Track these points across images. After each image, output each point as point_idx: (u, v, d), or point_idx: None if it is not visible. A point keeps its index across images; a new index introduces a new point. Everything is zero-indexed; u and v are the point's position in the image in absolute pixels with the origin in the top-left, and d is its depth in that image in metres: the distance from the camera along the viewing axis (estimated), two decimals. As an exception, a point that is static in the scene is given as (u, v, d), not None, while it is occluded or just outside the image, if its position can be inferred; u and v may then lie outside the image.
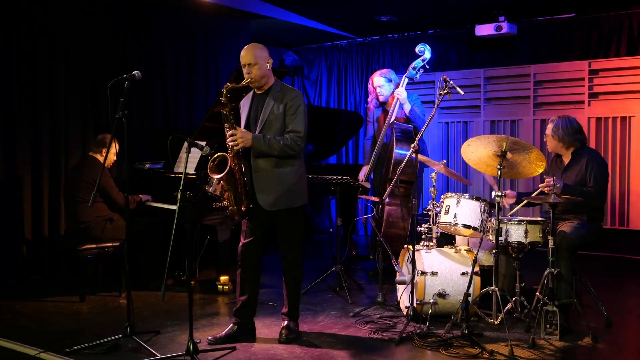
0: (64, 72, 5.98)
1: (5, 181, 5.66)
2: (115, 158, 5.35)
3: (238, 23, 7.51)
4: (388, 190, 4.87)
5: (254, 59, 3.85)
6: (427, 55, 5.64)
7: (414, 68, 5.65)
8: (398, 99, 5.59)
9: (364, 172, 5.84)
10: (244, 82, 3.88)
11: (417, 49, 5.66)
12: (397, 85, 5.73)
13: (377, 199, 5.47)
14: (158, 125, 6.76)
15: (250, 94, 4.07)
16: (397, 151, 5.47)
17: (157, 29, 6.75)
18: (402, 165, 4.66)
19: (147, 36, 6.65)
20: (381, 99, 5.80)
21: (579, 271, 4.40)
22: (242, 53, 3.90)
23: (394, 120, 5.64)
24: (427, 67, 5.70)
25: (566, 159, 4.56)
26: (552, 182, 4.01)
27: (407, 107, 5.62)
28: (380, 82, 5.78)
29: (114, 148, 5.17)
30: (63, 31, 5.95)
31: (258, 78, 3.89)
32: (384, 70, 5.92)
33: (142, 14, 6.58)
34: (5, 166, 5.65)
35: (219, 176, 3.79)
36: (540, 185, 4.27)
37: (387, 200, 5.40)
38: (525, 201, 4.48)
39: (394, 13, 7.30)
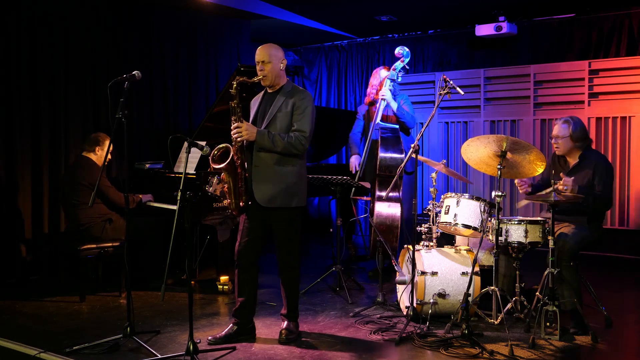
0: (64, 72, 5.98)
1: (5, 181, 5.65)
2: (109, 157, 5.32)
3: (238, 23, 7.51)
4: (390, 188, 4.91)
5: (268, 57, 3.89)
6: (406, 56, 5.83)
7: (394, 69, 5.85)
8: (383, 99, 5.77)
9: (357, 161, 5.93)
10: (255, 79, 3.92)
11: (396, 51, 5.84)
12: (380, 85, 5.89)
13: (369, 198, 5.55)
14: (158, 125, 6.76)
15: (261, 93, 4.11)
16: (382, 152, 5.64)
17: (157, 28, 6.74)
18: (402, 165, 4.68)
19: (147, 36, 6.65)
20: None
21: (579, 271, 4.40)
22: (257, 51, 3.94)
23: (380, 120, 5.80)
24: (408, 67, 5.91)
25: (572, 160, 4.48)
26: (570, 183, 4.09)
27: (394, 106, 5.81)
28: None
29: (104, 149, 5.16)
30: (63, 31, 5.95)
31: (270, 76, 3.92)
32: (386, 67, 6.12)
33: (142, 14, 6.58)
34: (5, 166, 5.65)
35: (219, 166, 3.79)
36: (559, 183, 4.16)
37: (377, 194, 5.52)
38: (527, 202, 4.47)
39: (394, 13, 7.30)
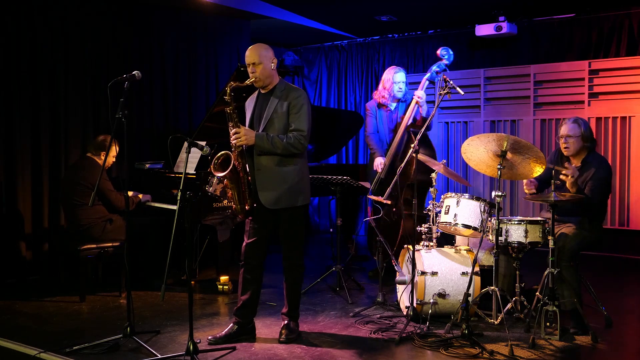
0: (64, 72, 5.98)
1: (5, 181, 5.65)
2: (114, 160, 5.33)
3: (238, 23, 7.51)
4: (390, 187, 4.87)
5: (258, 59, 3.87)
6: (449, 57, 5.51)
7: (437, 72, 5.52)
8: (417, 102, 5.50)
9: (382, 162, 5.59)
10: (248, 81, 3.90)
11: (439, 52, 5.51)
12: (422, 87, 5.62)
13: (388, 202, 5.30)
14: (158, 125, 6.76)
15: (255, 93, 4.09)
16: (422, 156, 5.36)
17: (157, 28, 6.74)
18: (402, 165, 4.66)
19: (147, 36, 6.65)
20: (399, 95, 5.72)
21: (579, 271, 4.40)
22: (247, 53, 3.92)
23: (411, 123, 5.55)
24: (447, 70, 5.55)
25: (575, 162, 4.42)
26: (574, 169, 4.11)
27: (425, 109, 5.55)
28: (403, 78, 5.72)
29: (114, 150, 5.14)
30: (63, 31, 5.95)
31: (262, 77, 3.91)
32: (400, 67, 5.85)
33: (142, 14, 6.58)
34: (5, 166, 5.65)
35: (222, 174, 3.79)
36: (564, 172, 4.18)
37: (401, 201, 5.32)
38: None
39: (394, 13, 7.30)
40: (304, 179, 4.02)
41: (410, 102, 5.64)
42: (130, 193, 5.36)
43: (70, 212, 5.21)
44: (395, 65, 8.13)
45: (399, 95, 5.74)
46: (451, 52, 5.53)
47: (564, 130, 4.40)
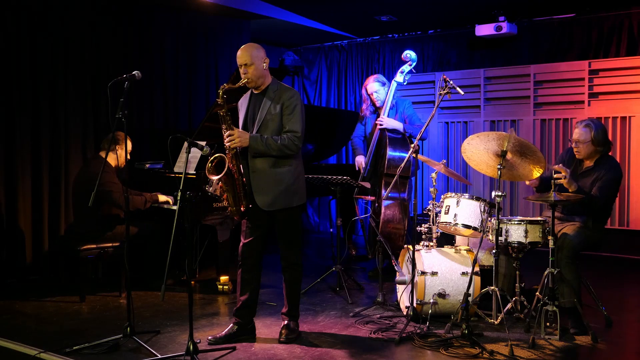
0: (64, 72, 5.98)
1: (5, 181, 5.65)
2: (129, 157, 5.15)
3: (238, 23, 7.51)
4: (390, 187, 4.87)
5: (250, 59, 3.87)
6: (414, 58, 5.74)
7: (401, 72, 5.74)
8: (381, 125, 5.65)
9: (362, 159, 5.87)
10: (240, 83, 3.89)
11: (403, 56, 5.75)
12: (388, 85, 5.82)
13: (372, 198, 5.51)
14: (158, 125, 6.76)
15: (248, 93, 4.08)
16: (390, 152, 5.56)
17: (157, 28, 6.75)
18: (402, 165, 4.68)
19: (147, 36, 6.65)
20: (378, 103, 5.82)
21: (579, 271, 4.40)
22: (238, 53, 3.92)
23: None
24: (414, 71, 5.81)
25: (587, 163, 4.41)
26: (565, 169, 4.08)
27: (399, 126, 5.66)
28: (375, 88, 5.81)
29: (123, 148, 5.07)
30: (63, 31, 5.95)
31: (255, 78, 3.90)
32: (375, 75, 5.98)
33: (142, 14, 6.58)
34: (5, 166, 5.65)
35: (217, 177, 3.79)
36: (558, 175, 4.18)
37: (383, 193, 5.46)
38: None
39: (394, 13, 7.30)
40: (299, 179, 4.01)
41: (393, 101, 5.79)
42: (160, 195, 5.37)
43: (75, 216, 5.20)
44: (395, 65, 8.21)
45: (378, 103, 5.82)
46: (413, 53, 5.73)
47: (574, 135, 4.40)
